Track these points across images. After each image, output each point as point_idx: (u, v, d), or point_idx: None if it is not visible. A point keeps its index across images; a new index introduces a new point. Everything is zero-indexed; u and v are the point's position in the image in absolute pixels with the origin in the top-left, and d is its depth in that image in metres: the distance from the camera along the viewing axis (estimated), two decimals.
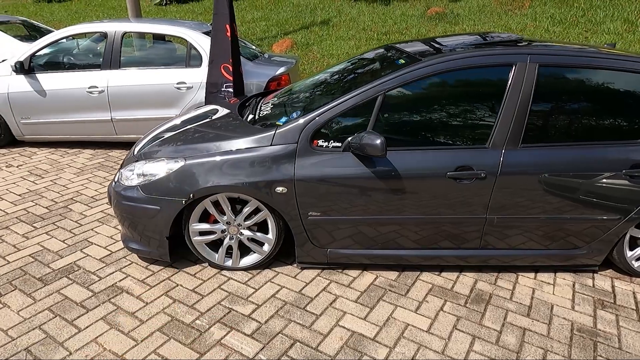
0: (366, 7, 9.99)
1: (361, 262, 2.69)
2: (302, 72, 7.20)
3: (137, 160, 2.69)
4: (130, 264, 2.77)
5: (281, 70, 4.64)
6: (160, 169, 2.52)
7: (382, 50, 3.07)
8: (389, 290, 2.57)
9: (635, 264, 2.71)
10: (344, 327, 2.28)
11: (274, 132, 2.46)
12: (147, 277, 2.65)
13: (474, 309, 2.43)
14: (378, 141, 2.23)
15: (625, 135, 2.46)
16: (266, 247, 2.68)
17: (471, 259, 2.69)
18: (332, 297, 2.50)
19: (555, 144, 2.44)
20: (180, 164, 2.49)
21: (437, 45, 2.75)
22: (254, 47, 5.21)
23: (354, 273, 2.72)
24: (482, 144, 2.43)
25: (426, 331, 2.26)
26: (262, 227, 2.66)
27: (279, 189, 2.43)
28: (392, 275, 2.71)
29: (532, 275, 2.74)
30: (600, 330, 2.31)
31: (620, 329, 2.31)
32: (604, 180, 2.44)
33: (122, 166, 2.77)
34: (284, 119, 2.58)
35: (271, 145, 2.44)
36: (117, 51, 4.62)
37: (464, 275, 2.72)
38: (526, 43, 2.62)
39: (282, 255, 2.81)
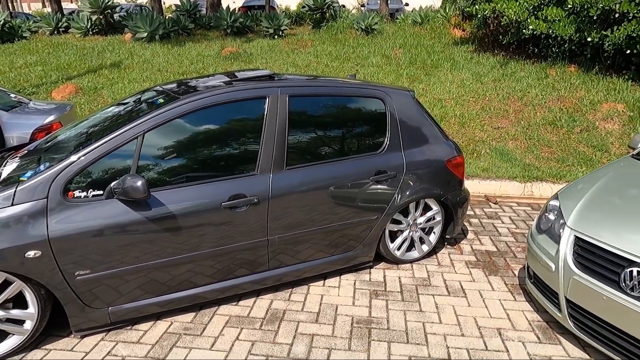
0: (160, 49, 9.79)
1: (153, 311, 2.52)
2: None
3: None
4: None
5: (50, 118, 4.14)
6: None
7: (148, 90, 3.01)
8: (184, 334, 2.46)
9: (398, 253, 3.23)
10: None
11: (14, 189, 2.13)
12: None
13: (269, 329, 2.51)
14: (139, 183, 2.15)
15: (367, 149, 2.95)
16: (28, 325, 2.27)
17: (265, 280, 2.79)
18: None
19: (316, 163, 2.76)
20: None
21: (195, 83, 2.85)
22: (13, 95, 4.52)
23: (145, 326, 2.52)
24: (251, 171, 2.58)
25: None
26: (20, 301, 2.26)
27: (31, 254, 2.10)
28: (189, 317, 2.61)
29: (321, 283, 3.00)
30: (374, 317, 2.65)
31: (389, 312, 2.70)
32: (360, 187, 2.86)
33: None
34: (29, 173, 2.27)
35: (12, 205, 2.11)
36: None
37: (260, 299, 2.80)
38: (279, 78, 2.92)
39: (56, 326, 2.43)
